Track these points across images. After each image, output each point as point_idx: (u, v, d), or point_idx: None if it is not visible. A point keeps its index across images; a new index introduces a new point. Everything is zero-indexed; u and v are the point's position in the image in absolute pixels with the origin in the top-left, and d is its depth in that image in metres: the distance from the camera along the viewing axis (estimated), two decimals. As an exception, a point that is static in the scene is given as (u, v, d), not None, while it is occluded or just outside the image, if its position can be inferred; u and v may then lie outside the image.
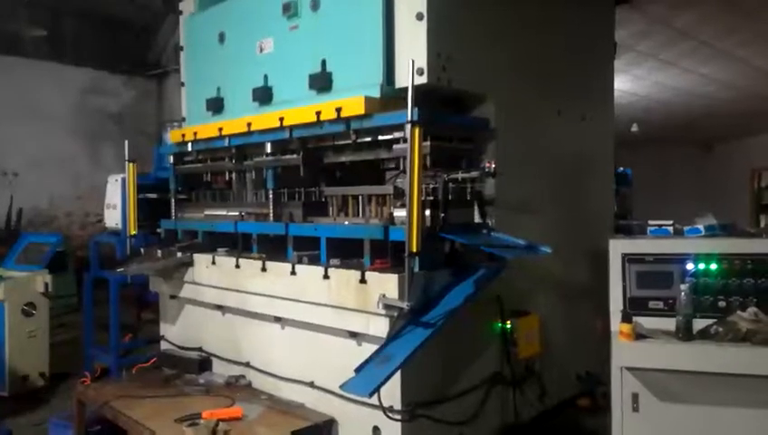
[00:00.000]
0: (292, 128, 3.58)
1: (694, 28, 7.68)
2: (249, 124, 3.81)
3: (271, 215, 3.85)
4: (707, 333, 2.83)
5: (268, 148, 3.79)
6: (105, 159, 10.14)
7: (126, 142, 4.65)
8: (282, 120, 3.58)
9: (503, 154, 3.50)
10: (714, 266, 3.05)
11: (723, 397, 2.84)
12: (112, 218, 5.46)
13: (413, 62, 2.86)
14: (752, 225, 15.86)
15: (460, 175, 3.18)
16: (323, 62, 3.55)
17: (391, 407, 3.01)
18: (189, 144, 4.38)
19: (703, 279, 3.04)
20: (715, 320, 2.88)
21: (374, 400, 2.84)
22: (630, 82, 10.49)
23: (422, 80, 3.11)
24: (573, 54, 4.42)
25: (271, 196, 3.86)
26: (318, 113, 3.36)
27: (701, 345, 2.78)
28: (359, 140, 3.33)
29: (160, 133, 9.68)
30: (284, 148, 3.76)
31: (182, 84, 4.84)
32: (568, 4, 4.39)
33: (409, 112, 2.80)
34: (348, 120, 3.27)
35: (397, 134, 3.15)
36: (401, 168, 3.13)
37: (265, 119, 3.73)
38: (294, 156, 3.69)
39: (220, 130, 4.05)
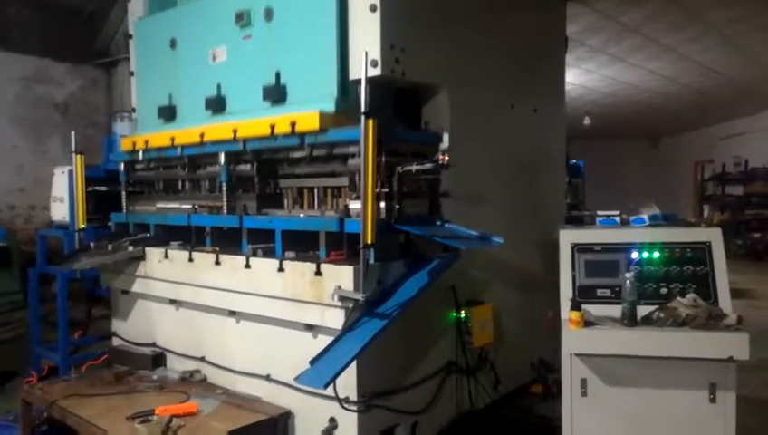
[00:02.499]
0: (245, 140, 3.55)
1: (641, 24, 7.92)
2: (202, 135, 3.75)
3: (225, 207, 3.80)
4: (650, 318, 2.96)
5: (222, 159, 3.75)
6: (51, 150, 9.75)
7: (72, 133, 4.52)
8: (235, 131, 3.54)
9: (456, 146, 3.55)
10: (656, 255, 3.18)
11: (665, 379, 2.97)
12: (59, 212, 5.29)
13: (366, 53, 2.87)
14: (695, 214, 16.56)
15: (414, 167, 3.20)
16: (277, 74, 3.52)
17: (347, 398, 3.03)
18: (140, 152, 4.29)
19: (646, 267, 3.17)
20: (657, 306, 3.01)
21: (330, 391, 2.86)
22: (581, 76, 10.77)
23: (376, 71, 3.11)
24: (526, 48, 4.50)
25: (224, 188, 3.81)
26: (272, 126, 3.33)
27: (644, 331, 2.90)
28: (314, 154, 3.33)
29: (110, 124, 9.39)
30: (238, 158, 3.74)
31: (131, 74, 4.71)
32: (520, -2, 4.47)
33: (363, 103, 2.80)
34: (302, 134, 3.26)
35: (352, 148, 3.15)
36: (356, 181, 3.12)
37: (218, 129, 3.67)
38: (248, 166, 3.69)
39: (172, 139, 3.98)
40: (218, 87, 3.89)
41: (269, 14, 3.56)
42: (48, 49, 9.84)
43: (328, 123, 3.16)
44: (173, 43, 4.21)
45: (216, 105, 3.88)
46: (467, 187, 3.70)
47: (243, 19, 3.66)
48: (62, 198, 5.22)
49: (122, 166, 4.55)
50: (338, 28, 3.25)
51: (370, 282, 2.93)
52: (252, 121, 3.50)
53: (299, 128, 3.22)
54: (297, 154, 3.45)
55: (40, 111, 9.86)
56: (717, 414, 2.92)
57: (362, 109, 2.80)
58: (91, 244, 4.45)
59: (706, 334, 2.80)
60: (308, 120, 3.17)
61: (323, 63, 3.30)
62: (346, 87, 3.29)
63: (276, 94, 3.50)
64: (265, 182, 3.72)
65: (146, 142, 4.20)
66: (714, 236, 3.15)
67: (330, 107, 3.22)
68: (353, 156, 3.15)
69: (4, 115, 9.45)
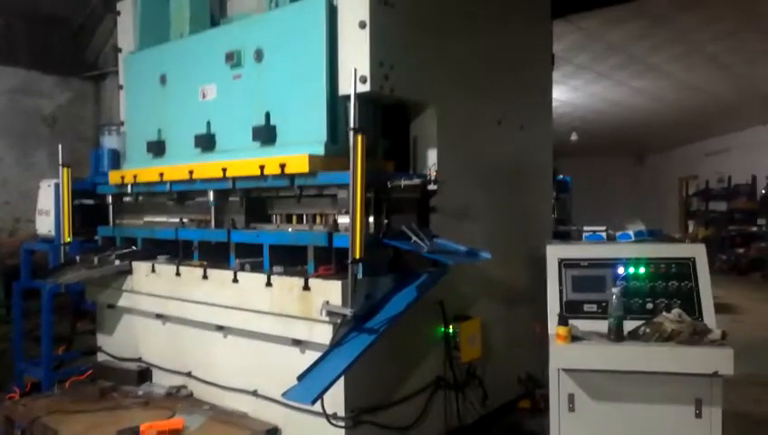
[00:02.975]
0: (235, 179, 3.56)
1: (626, 43, 8.05)
2: (191, 172, 3.76)
3: (213, 221, 3.79)
4: (636, 333, 2.97)
5: (211, 196, 3.75)
6: (38, 163, 9.67)
7: (59, 146, 4.50)
8: (225, 170, 3.55)
9: (444, 162, 3.58)
10: (642, 270, 3.20)
11: (651, 395, 2.99)
12: (45, 225, 5.24)
13: (355, 70, 2.90)
14: (680, 230, 16.74)
15: (402, 182, 3.22)
16: (267, 115, 3.54)
17: (335, 414, 3.02)
18: (129, 186, 4.29)
19: (633, 282, 3.19)
20: (643, 321, 3.03)
21: (318, 407, 2.84)
22: (569, 93, 10.89)
23: (365, 88, 3.14)
24: (513, 65, 4.56)
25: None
26: (261, 167, 3.35)
27: (630, 346, 2.92)
28: (303, 193, 3.36)
29: (98, 137, 9.32)
30: (227, 194, 3.75)
31: (120, 87, 4.71)
32: (508, 16, 4.54)
33: (352, 119, 2.83)
34: (292, 176, 3.28)
35: (341, 191, 3.17)
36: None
37: (208, 168, 3.69)
38: (237, 199, 3.70)
39: (161, 175, 3.98)
40: (208, 125, 3.90)
41: (259, 55, 3.58)
42: (36, 61, 9.79)
43: (317, 166, 3.18)
44: (163, 79, 4.22)
45: (206, 143, 3.89)
46: (455, 202, 3.72)
47: (233, 59, 3.68)
48: (48, 212, 5.18)
49: (110, 199, 4.53)
50: (327, 74, 3.29)
51: (359, 297, 2.93)
52: (241, 161, 3.51)
53: (288, 170, 3.24)
54: (286, 193, 3.47)
55: (27, 123, 9.78)
56: (703, 429, 2.93)
57: (351, 124, 2.83)
58: (77, 257, 4.41)
59: (691, 350, 2.82)
60: (298, 162, 3.19)
61: (313, 108, 3.33)
62: (336, 131, 3.33)
63: (266, 135, 3.53)
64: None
65: (134, 177, 4.20)
66: (698, 252, 3.19)
67: (319, 150, 3.24)
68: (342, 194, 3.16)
69: (-11, 128, 9.36)
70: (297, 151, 3.24)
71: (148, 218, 4.40)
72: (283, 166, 3.25)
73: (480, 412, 4.05)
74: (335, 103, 3.33)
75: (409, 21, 3.47)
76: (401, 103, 3.61)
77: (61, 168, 4.40)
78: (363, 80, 3.14)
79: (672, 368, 2.86)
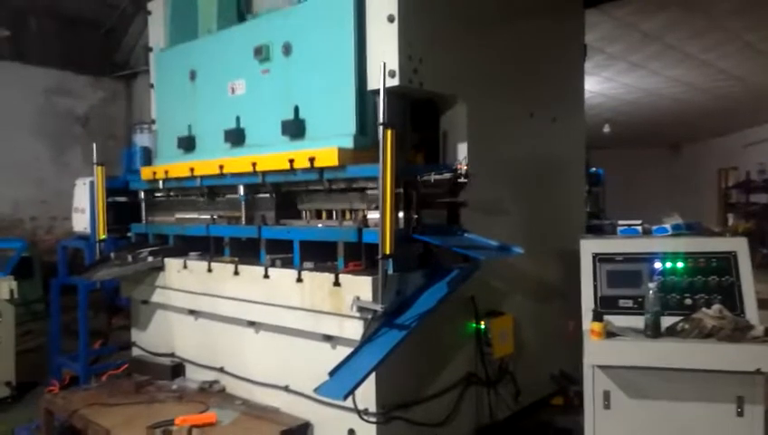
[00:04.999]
0: (264, 173, 3.57)
1: (660, 32, 7.84)
2: (221, 166, 3.78)
3: (243, 218, 3.82)
4: (674, 330, 2.90)
5: (241, 190, 3.77)
6: (72, 162, 9.91)
7: (94, 145, 4.59)
8: (254, 165, 3.56)
9: (474, 156, 3.52)
10: (680, 265, 3.12)
11: (690, 392, 2.91)
12: (80, 223, 5.36)
13: (384, 64, 2.87)
14: (719, 223, 16.29)
15: (433, 177, 3.19)
16: (296, 109, 3.54)
17: (366, 410, 3.01)
18: (160, 182, 4.34)
19: (670, 277, 3.11)
20: (681, 317, 2.95)
21: (349, 402, 2.84)
22: (601, 84, 10.67)
23: (394, 82, 3.12)
24: (544, 56, 4.47)
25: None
26: (291, 161, 3.35)
27: (668, 342, 2.85)
28: (332, 187, 3.34)
29: (130, 136, 9.52)
30: (257, 189, 3.77)
31: (151, 86, 4.78)
32: (539, 7, 4.45)
33: (381, 114, 2.81)
34: (321, 169, 3.27)
35: (370, 184, 3.14)
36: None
37: (238, 162, 3.70)
38: (267, 195, 3.71)
39: (192, 169, 4.02)
40: (237, 119, 3.92)
41: (288, 50, 3.59)
42: (69, 62, 10.03)
43: (347, 159, 3.17)
44: (193, 75, 4.26)
45: (236, 137, 3.91)
46: (486, 196, 3.67)
47: (262, 53, 3.69)
48: (84, 209, 5.29)
49: (142, 194, 4.60)
50: (356, 66, 3.27)
51: (389, 293, 2.91)
52: (271, 156, 3.52)
53: (318, 163, 3.23)
54: (316, 187, 3.47)
55: (61, 123, 10.04)
56: (745, 428, 2.85)
57: (381, 119, 2.80)
58: (112, 254, 4.50)
59: (733, 346, 2.74)
60: (327, 156, 3.18)
61: (341, 100, 3.32)
62: (364, 123, 3.31)
63: (295, 129, 3.53)
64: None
65: (166, 172, 4.25)
66: (739, 246, 3.09)
67: (348, 143, 3.23)
68: (372, 188, 3.15)
69: (26, 128, 9.63)
70: (326, 145, 3.23)
71: (179, 215, 4.45)
72: (312, 159, 3.24)
73: (512, 409, 4.00)
74: (363, 96, 3.31)
75: (438, 14, 3.43)
76: (430, 98, 3.57)
77: (95, 166, 4.49)
78: (392, 74, 3.12)
79: (712, 365, 2.77)
